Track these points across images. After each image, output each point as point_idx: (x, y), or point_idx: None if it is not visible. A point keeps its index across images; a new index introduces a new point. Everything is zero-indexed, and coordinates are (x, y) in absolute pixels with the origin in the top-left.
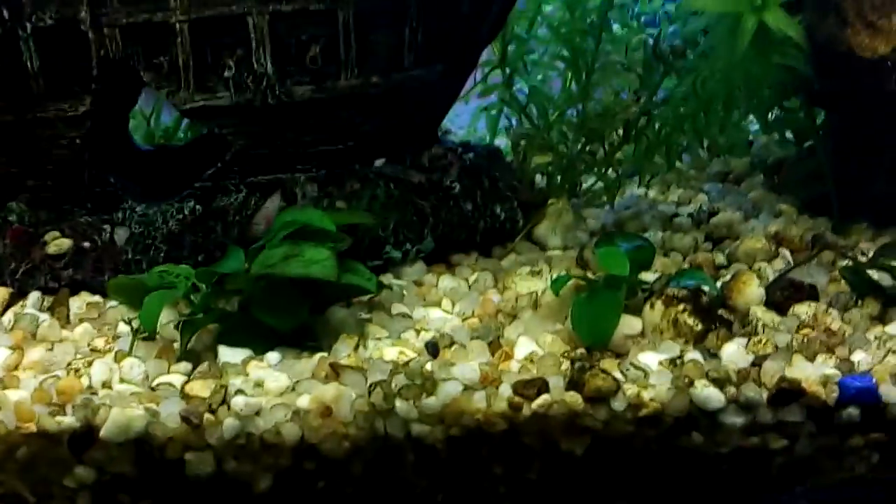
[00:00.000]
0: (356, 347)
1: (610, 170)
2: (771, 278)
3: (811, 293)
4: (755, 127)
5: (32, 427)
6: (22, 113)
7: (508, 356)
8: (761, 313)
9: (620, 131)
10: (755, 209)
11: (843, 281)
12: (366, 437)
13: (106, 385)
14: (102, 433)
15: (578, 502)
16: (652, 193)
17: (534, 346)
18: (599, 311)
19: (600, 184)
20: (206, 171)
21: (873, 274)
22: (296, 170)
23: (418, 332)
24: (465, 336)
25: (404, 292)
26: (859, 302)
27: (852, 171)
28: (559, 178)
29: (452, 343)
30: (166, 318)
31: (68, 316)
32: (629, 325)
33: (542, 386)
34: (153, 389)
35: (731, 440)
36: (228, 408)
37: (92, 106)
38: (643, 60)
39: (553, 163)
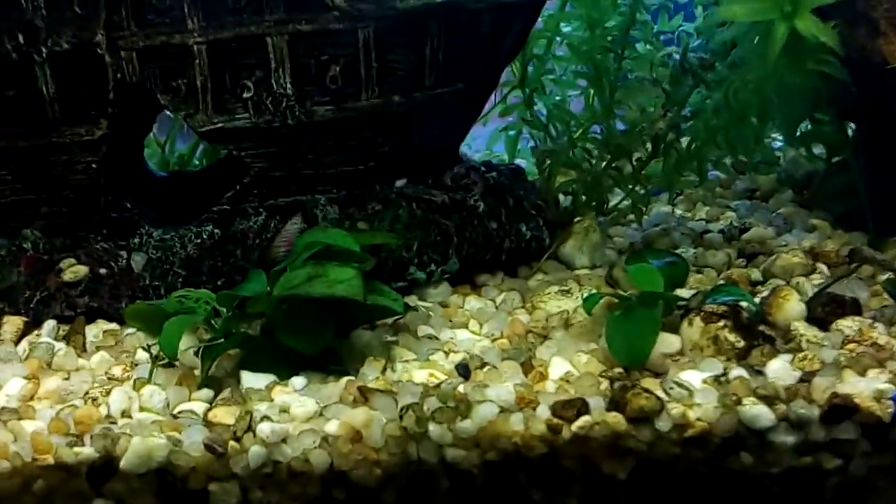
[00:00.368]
0: (384, 370)
1: (637, 186)
2: (810, 294)
3: (854, 308)
4: (778, 144)
5: (49, 459)
6: (37, 138)
7: (543, 377)
8: (803, 329)
9: (648, 146)
10: (787, 225)
11: (885, 294)
12: (398, 462)
13: (125, 414)
14: (122, 464)
15: None
16: (679, 211)
17: (568, 366)
18: (636, 329)
19: (627, 201)
20: (223, 196)
21: None
22: (316, 191)
23: (447, 353)
24: (495, 357)
25: (430, 314)
26: None
27: (886, 185)
28: (585, 196)
29: (484, 364)
30: (186, 344)
31: (84, 344)
32: (667, 342)
33: (581, 406)
34: (175, 417)
35: (782, 460)
36: (254, 435)
37: (108, 130)
38: (670, 75)
39: (578, 180)
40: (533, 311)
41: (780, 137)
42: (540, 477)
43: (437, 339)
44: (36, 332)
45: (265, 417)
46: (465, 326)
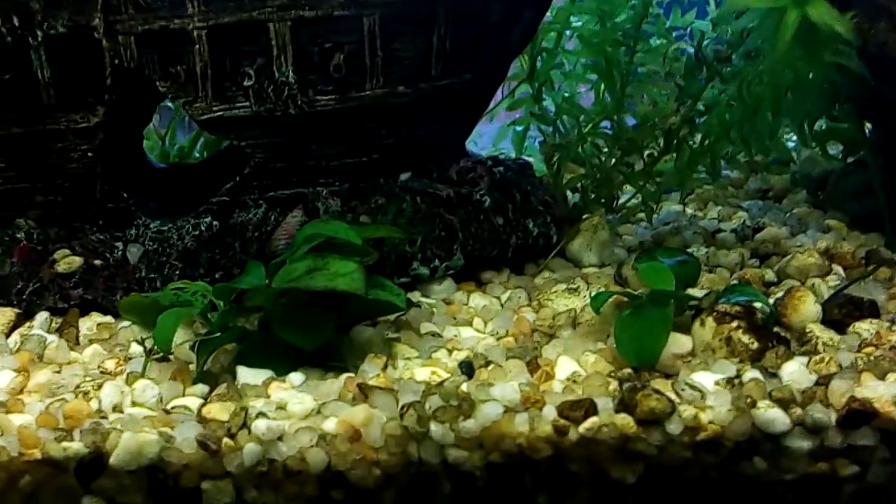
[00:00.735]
0: (384, 367)
1: (648, 183)
2: (826, 295)
3: (872, 310)
4: (792, 144)
5: (37, 454)
6: (32, 125)
7: (549, 376)
8: (819, 331)
9: (660, 142)
10: (801, 225)
11: None
12: (398, 463)
13: (117, 408)
14: (112, 460)
15: None
16: (689, 210)
17: (575, 365)
18: (646, 329)
19: (637, 198)
20: (223, 187)
21: None
22: (318, 183)
23: (450, 351)
24: (500, 355)
25: (433, 310)
26: None
27: None
28: (594, 192)
29: (488, 363)
30: (181, 338)
31: (77, 337)
32: (678, 343)
33: (589, 407)
34: (167, 413)
35: (798, 466)
36: (249, 432)
37: (105, 117)
38: (684, 68)
39: (587, 176)
40: (539, 310)
41: (795, 136)
42: (545, 480)
43: (440, 336)
44: (28, 323)
45: (261, 414)
46: (470, 324)
